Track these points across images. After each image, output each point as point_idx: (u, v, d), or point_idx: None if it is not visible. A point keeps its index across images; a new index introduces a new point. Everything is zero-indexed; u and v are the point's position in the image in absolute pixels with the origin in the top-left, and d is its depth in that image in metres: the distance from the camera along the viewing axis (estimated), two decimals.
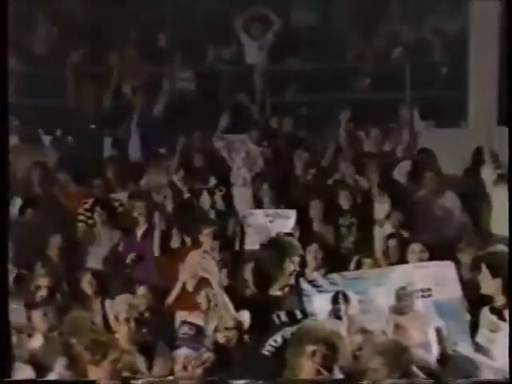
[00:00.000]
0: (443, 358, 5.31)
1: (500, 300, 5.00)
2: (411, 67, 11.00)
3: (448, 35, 11.30)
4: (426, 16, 11.61)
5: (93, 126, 10.34)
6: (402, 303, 5.58)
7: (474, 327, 5.46)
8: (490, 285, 5.03)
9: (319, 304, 5.53)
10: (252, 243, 7.58)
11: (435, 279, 5.67)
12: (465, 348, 5.36)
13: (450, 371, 5.23)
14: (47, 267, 7.56)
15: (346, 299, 5.51)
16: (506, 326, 5.02)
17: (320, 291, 5.59)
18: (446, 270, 5.78)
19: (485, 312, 5.31)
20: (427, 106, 10.69)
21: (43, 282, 7.09)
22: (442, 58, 11.27)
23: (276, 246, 5.71)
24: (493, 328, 5.22)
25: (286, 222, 7.90)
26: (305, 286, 5.60)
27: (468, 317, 5.53)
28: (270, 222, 7.92)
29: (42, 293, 6.84)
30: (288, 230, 7.81)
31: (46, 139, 10.14)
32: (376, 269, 6.35)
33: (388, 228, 8.21)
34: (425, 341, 5.36)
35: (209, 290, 6.43)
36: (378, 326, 5.45)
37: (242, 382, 4.86)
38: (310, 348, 4.72)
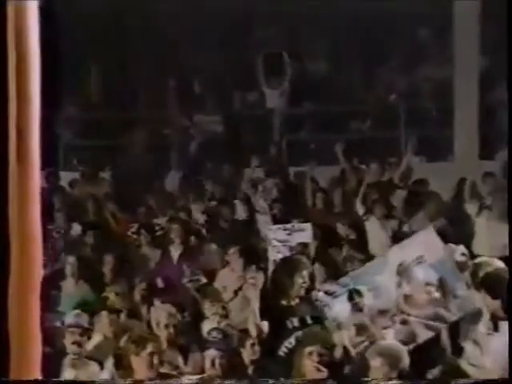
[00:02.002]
0: (447, 304, 5.30)
1: (499, 313, 4.78)
2: (405, 110, 11.08)
3: (436, 83, 11.35)
4: (417, 66, 11.67)
5: (131, 165, 10.48)
6: (403, 276, 5.56)
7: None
8: (489, 304, 4.79)
9: (339, 307, 5.51)
10: (275, 255, 7.59)
11: (423, 246, 5.62)
12: (462, 290, 5.32)
13: (455, 312, 5.20)
14: (105, 281, 7.63)
15: (359, 293, 5.50)
16: (498, 335, 4.83)
17: (335, 297, 5.62)
18: (428, 236, 5.70)
19: (485, 312, 5.10)
20: (420, 143, 10.74)
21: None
22: (432, 103, 11.32)
23: (287, 264, 5.75)
24: (489, 331, 5.17)
25: (302, 234, 7.72)
26: (322, 297, 5.61)
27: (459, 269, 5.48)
28: (288, 234, 7.95)
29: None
30: (306, 240, 7.69)
31: (100, 175, 10.24)
32: (373, 261, 6.28)
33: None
34: (430, 298, 5.34)
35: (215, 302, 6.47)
36: (390, 303, 5.43)
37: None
38: (308, 349, 4.80)
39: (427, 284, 5.40)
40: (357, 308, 5.39)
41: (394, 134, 10.96)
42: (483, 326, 4.92)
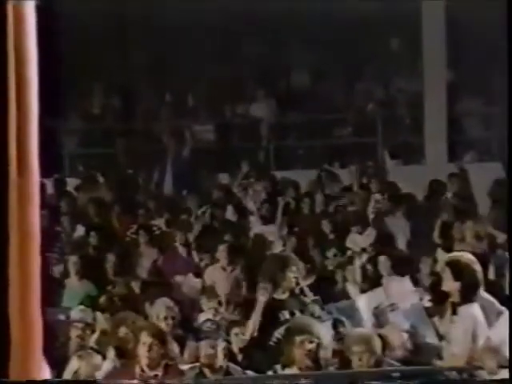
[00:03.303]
0: (417, 350, 5.39)
1: (456, 298, 4.85)
2: (382, 119, 11.11)
3: (409, 94, 11.41)
4: (392, 79, 11.73)
5: (130, 171, 10.46)
6: (379, 319, 5.71)
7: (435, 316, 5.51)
8: (450, 285, 4.83)
9: (323, 331, 5.59)
10: None
11: (397, 293, 5.81)
12: (431, 338, 5.43)
13: (423, 358, 5.26)
14: (107, 278, 7.60)
15: (343, 324, 5.60)
16: (458, 319, 4.89)
17: (320, 321, 5.64)
18: (403, 284, 5.91)
19: (446, 307, 5.20)
20: (395, 148, 10.83)
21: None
22: (405, 112, 11.39)
23: (277, 259, 5.77)
24: (450, 320, 5.20)
25: None
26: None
27: (429, 318, 5.54)
28: None
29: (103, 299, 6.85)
30: None
31: (101, 180, 10.21)
32: (355, 298, 6.34)
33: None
34: (402, 342, 5.40)
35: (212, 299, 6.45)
36: None
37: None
38: (299, 338, 4.82)
39: (400, 330, 5.46)
40: (338, 337, 5.45)
41: (372, 139, 10.96)
42: (447, 317, 4.96)
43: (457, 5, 9.94)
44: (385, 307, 5.72)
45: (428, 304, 5.61)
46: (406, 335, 5.43)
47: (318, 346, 4.77)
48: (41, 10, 2.40)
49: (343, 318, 5.63)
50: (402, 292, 5.78)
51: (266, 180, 9.70)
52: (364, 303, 5.83)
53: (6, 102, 2.12)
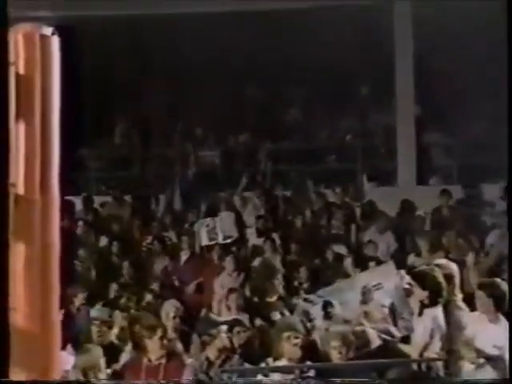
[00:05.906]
0: (395, 323, 5.41)
1: (427, 302, 4.82)
2: (360, 147, 11.10)
3: (383, 126, 11.42)
4: (369, 112, 11.78)
5: (148, 191, 10.46)
6: (365, 297, 5.72)
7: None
8: (420, 295, 4.84)
9: (314, 312, 5.63)
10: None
11: (383, 275, 5.87)
12: (407, 315, 5.41)
13: (401, 330, 5.30)
14: (123, 282, 7.53)
15: (331, 305, 5.63)
16: (420, 319, 4.90)
17: (313, 304, 5.70)
18: (388, 268, 6.05)
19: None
20: (372, 172, 10.86)
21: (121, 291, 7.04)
22: (380, 141, 11.43)
23: (265, 268, 5.79)
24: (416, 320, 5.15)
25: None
26: (302, 303, 5.72)
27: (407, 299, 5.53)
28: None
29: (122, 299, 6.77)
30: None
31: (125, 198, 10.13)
32: (345, 280, 6.36)
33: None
34: (383, 316, 5.43)
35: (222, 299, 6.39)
36: (353, 315, 5.54)
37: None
38: (285, 334, 4.79)
39: (382, 306, 5.47)
40: (328, 316, 5.45)
41: (352, 165, 10.96)
42: (415, 317, 4.97)
43: (424, 61, 10.19)
44: (371, 286, 5.73)
45: (407, 286, 5.57)
46: (386, 310, 5.43)
47: (303, 340, 4.76)
48: (64, 46, 2.31)
49: (332, 300, 5.60)
50: (387, 273, 5.85)
51: (262, 197, 9.70)
52: (353, 284, 5.88)
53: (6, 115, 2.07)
